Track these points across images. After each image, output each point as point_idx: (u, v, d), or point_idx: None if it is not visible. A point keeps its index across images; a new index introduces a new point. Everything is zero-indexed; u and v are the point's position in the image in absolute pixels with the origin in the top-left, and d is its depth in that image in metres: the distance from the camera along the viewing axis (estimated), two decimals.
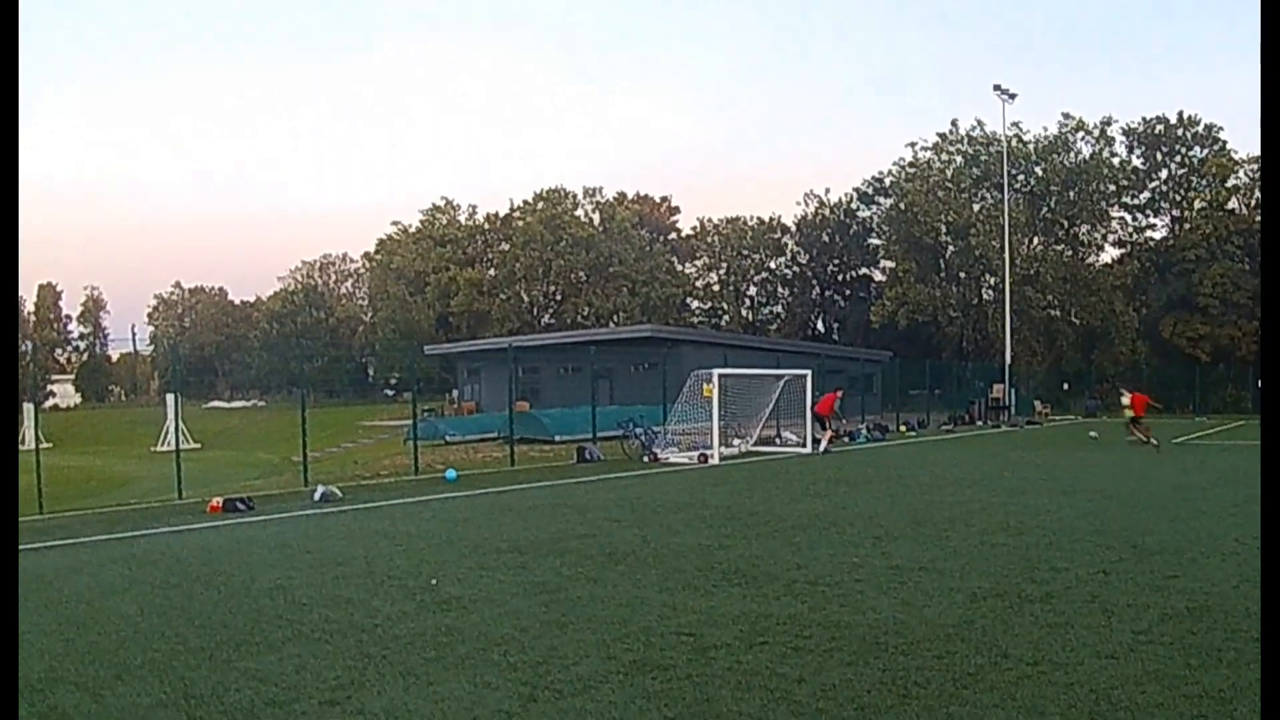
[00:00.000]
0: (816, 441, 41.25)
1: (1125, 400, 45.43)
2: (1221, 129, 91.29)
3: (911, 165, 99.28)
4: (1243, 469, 30.98)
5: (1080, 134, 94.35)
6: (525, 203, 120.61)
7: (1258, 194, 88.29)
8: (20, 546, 18.24)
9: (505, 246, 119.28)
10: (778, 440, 44.20)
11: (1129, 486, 25.97)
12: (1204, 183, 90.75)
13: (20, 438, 65.31)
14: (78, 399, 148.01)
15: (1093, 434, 49.01)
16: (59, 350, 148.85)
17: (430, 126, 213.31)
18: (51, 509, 27.45)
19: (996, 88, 77.04)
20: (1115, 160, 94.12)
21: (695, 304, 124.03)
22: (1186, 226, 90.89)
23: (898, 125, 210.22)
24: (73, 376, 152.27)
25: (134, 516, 24.40)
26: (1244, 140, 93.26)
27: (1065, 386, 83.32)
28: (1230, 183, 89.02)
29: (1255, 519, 18.55)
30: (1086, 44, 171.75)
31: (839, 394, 42.87)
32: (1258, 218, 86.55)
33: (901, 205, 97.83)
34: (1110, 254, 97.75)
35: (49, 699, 8.91)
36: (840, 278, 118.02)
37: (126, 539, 19.55)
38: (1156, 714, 8.00)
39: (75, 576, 15.13)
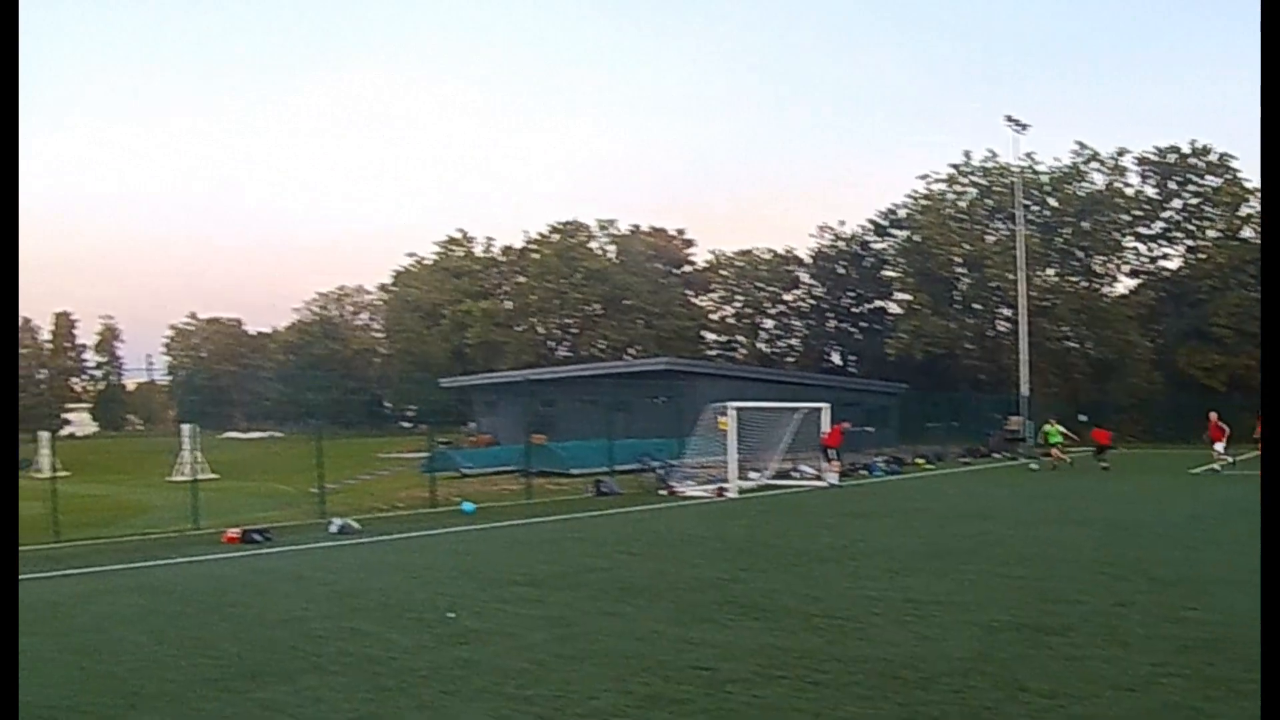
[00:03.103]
0: (829, 474, 41.14)
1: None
2: (1235, 158, 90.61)
3: (925, 197, 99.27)
4: (1258, 499, 31.03)
5: (1093, 164, 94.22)
6: (540, 235, 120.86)
7: None
8: (35, 574, 18.36)
9: (521, 279, 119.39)
10: (794, 473, 43.99)
11: (1145, 517, 25.88)
12: (1217, 212, 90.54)
13: (35, 466, 65.17)
14: (94, 427, 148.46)
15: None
16: (74, 379, 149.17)
17: (446, 159, 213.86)
18: (67, 537, 27.47)
19: (1008, 119, 76.88)
20: (1129, 190, 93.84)
21: (710, 337, 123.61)
22: (1200, 256, 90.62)
23: (911, 157, 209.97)
24: (89, 405, 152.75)
25: (149, 546, 24.46)
26: (1256, 168, 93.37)
27: (1082, 418, 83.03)
28: (1243, 211, 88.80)
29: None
30: (1099, 74, 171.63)
31: (845, 426, 42.78)
32: None
33: (915, 238, 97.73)
34: (1124, 284, 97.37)
35: None
36: (855, 310, 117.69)
37: (142, 568, 19.59)
38: None
39: (90, 605, 15.14)
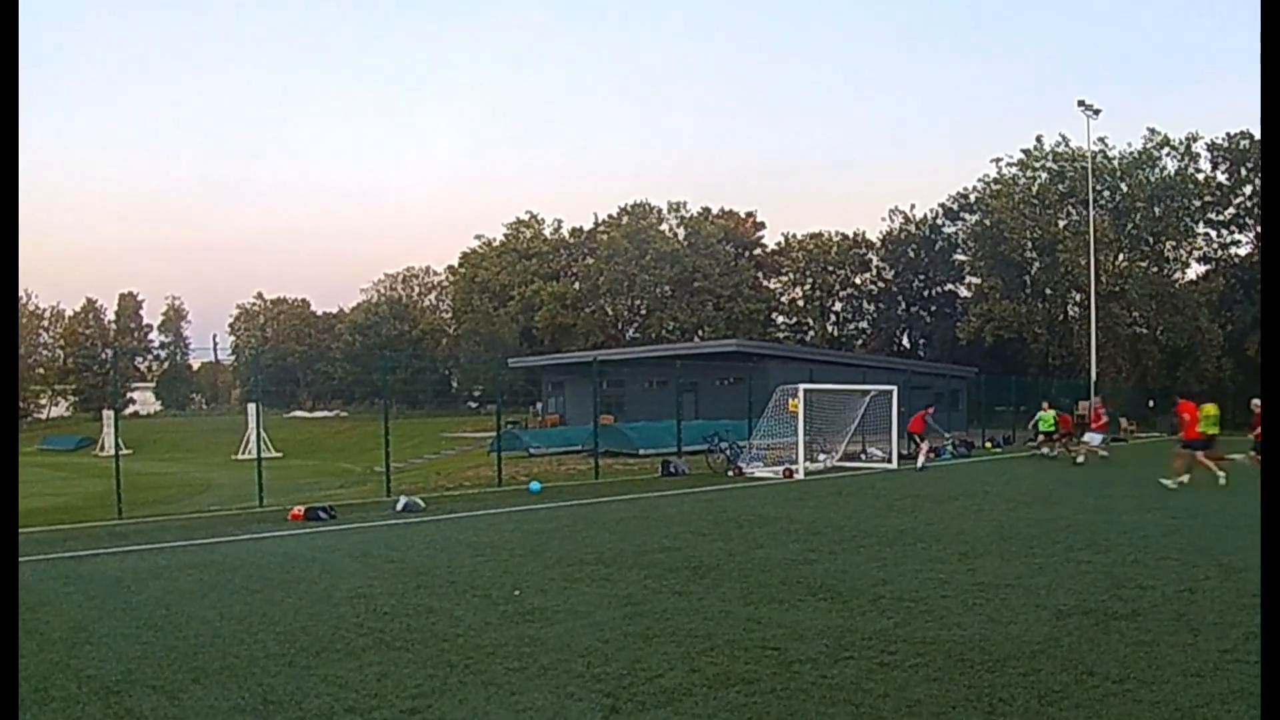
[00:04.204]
0: (915, 458, 40.91)
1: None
2: None
3: (997, 181, 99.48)
4: None
5: (1165, 150, 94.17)
6: (610, 217, 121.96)
7: None
8: (99, 550, 18.45)
9: (590, 260, 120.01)
10: (863, 456, 44.04)
11: (1214, 504, 25.55)
12: None
13: (100, 444, 67.09)
14: (158, 406, 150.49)
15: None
16: (139, 358, 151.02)
17: (515, 140, 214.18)
18: (131, 514, 27.80)
19: (1080, 103, 76.68)
20: (1200, 176, 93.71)
21: (780, 319, 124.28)
22: None
23: (982, 141, 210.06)
24: (153, 384, 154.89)
25: (214, 523, 24.63)
26: None
27: (1151, 404, 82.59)
28: None
29: None
30: (1171, 59, 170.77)
31: (929, 410, 42.62)
32: None
33: (987, 221, 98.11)
34: (1195, 270, 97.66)
35: (125, 701, 8.88)
36: (926, 294, 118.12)
37: (206, 545, 19.66)
38: None
39: (153, 581, 15.18)
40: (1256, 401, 36.74)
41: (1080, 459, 40.28)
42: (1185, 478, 30.34)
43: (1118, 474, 36.58)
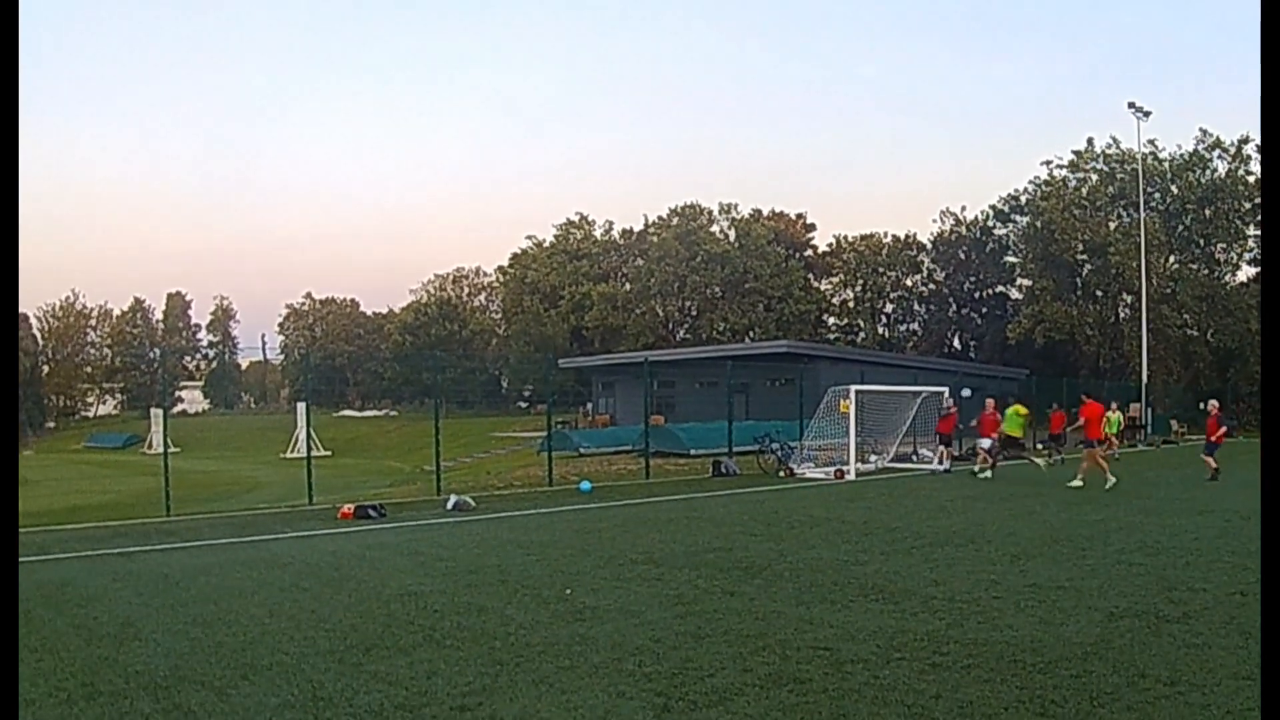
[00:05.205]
0: (969, 459, 40.61)
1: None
2: None
3: (1047, 183, 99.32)
4: None
5: (1216, 151, 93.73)
6: (660, 218, 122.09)
7: None
8: (148, 547, 18.44)
9: (640, 262, 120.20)
10: (914, 457, 43.78)
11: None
12: None
13: (148, 442, 67.35)
14: (206, 405, 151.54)
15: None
16: (188, 357, 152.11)
17: (564, 141, 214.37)
18: (179, 511, 27.75)
19: (1131, 105, 76.71)
20: (1251, 178, 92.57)
21: (831, 320, 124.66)
22: None
23: (1033, 143, 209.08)
24: (201, 383, 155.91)
25: (263, 520, 24.67)
26: None
27: (1202, 406, 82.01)
28: None
29: None
30: (1222, 61, 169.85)
31: (954, 412, 42.09)
32: None
33: (1038, 223, 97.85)
34: (1246, 272, 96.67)
35: (174, 696, 8.86)
36: (977, 295, 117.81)
37: (255, 542, 19.69)
38: None
39: (202, 577, 15.17)
40: (1212, 404, 35.68)
41: (986, 472, 37.82)
42: (1112, 479, 31.02)
43: (1170, 475, 36.24)
